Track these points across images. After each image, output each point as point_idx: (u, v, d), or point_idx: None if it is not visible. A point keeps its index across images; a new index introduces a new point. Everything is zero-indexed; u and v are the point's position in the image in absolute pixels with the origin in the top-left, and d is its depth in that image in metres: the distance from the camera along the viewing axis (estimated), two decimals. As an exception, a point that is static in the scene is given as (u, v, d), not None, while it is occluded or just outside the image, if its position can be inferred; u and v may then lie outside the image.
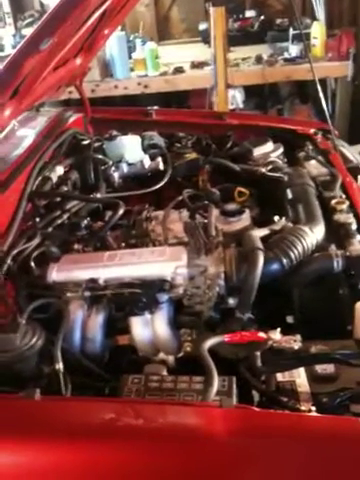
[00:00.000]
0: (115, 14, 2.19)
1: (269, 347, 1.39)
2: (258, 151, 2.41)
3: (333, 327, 1.58)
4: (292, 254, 1.62)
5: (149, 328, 1.57)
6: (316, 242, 1.71)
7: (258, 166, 2.30)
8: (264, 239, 1.70)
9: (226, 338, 1.39)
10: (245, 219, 1.93)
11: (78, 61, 2.29)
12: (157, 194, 2.31)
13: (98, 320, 1.58)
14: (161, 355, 1.61)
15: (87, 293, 1.55)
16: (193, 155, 2.50)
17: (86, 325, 1.57)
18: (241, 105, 4.60)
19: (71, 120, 2.61)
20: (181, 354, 1.59)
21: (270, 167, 2.27)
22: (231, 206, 1.96)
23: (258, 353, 1.33)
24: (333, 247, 1.69)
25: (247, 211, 1.96)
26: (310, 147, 2.42)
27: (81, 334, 1.57)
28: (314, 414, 1.14)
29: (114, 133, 2.44)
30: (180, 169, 2.43)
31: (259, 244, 1.63)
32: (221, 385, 1.22)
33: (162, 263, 1.61)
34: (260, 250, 1.59)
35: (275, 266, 1.61)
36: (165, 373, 1.32)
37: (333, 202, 1.93)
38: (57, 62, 1.82)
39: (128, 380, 1.29)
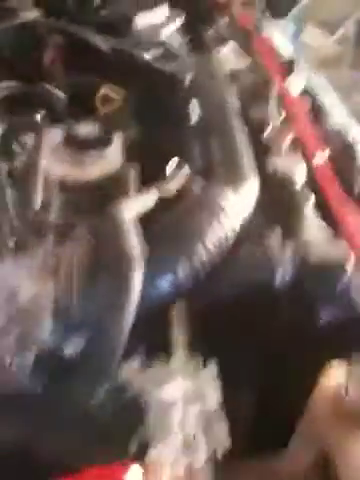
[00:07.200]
0: None
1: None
2: (143, 19, 1.48)
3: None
4: (202, 253, 0.81)
5: None
6: (247, 217, 0.91)
7: (140, 47, 1.38)
8: (149, 215, 0.85)
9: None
10: (113, 154, 1.05)
11: None
12: None
13: None
14: None
15: None
16: (34, 14, 1.49)
17: None
18: None
19: None
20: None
21: (160, 51, 1.36)
22: (86, 128, 1.05)
23: None
24: (277, 231, 0.90)
25: (117, 139, 1.06)
26: (225, 23, 1.54)
27: None
28: None
29: None
30: (7, 39, 1.42)
31: (132, 241, 0.77)
32: None
33: None
34: (133, 259, 0.74)
35: (166, 281, 0.79)
36: None
37: (267, 133, 1.10)
38: None
39: None
